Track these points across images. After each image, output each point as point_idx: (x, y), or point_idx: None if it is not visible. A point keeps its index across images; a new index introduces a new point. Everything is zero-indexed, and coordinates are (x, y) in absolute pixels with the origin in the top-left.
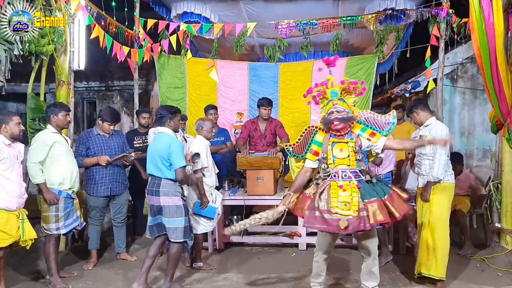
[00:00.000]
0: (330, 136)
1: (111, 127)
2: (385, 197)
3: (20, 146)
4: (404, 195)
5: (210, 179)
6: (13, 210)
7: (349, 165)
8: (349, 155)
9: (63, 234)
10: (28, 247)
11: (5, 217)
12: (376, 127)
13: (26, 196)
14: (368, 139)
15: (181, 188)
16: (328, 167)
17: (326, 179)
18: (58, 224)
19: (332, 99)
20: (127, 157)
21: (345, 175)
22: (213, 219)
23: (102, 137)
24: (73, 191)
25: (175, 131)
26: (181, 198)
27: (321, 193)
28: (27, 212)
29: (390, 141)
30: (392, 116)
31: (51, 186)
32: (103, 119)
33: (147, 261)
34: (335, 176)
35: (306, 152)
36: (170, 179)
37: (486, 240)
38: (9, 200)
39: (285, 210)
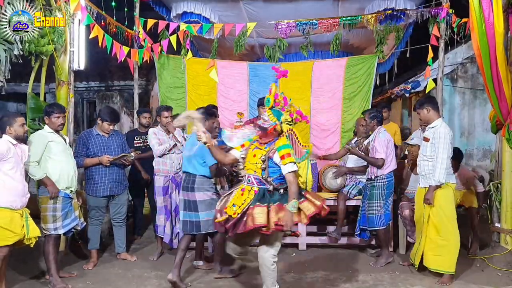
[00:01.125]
0: (256, 140)
1: (111, 127)
2: (274, 204)
3: (24, 147)
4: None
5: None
6: (17, 209)
7: (254, 171)
8: (257, 162)
9: (63, 234)
10: (32, 245)
11: (9, 215)
12: (294, 151)
13: (28, 195)
14: (281, 157)
15: (214, 183)
16: (243, 168)
17: (240, 180)
18: (56, 224)
19: (265, 106)
20: (127, 156)
21: (249, 180)
22: None
23: (102, 137)
24: (71, 191)
25: (210, 131)
26: (215, 192)
27: (229, 194)
28: (29, 211)
29: (290, 176)
30: (306, 150)
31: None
32: (103, 118)
33: (179, 253)
34: (243, 179)
35: (238, 143)
36: (204, 176)
37: (472, 237)
38: (13, 199)
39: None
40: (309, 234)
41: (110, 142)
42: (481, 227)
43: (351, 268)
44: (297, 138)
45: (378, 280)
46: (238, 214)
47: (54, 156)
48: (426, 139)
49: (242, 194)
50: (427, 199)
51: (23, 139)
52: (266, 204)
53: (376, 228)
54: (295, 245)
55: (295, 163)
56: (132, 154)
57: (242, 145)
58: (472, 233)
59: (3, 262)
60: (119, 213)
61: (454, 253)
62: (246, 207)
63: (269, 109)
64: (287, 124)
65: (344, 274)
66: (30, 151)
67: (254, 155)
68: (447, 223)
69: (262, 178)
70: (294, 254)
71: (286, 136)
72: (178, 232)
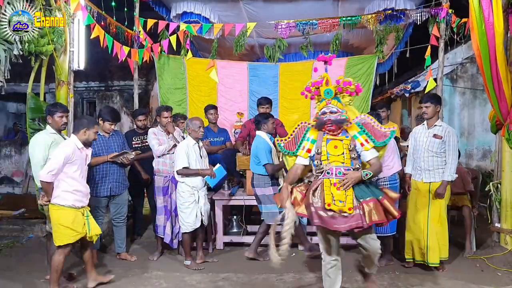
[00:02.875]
0: (324, 133)
1: (112, 127)
2: (381, 197)
3: (88, 151)
4: (394, 195)
5: (193, 180)
6: (79, 208)
7: (343, 163)
8: (343, 153)
9: None
10: (94, 241)
11: (73, 214)
12: (372, 135)
13: (89, 196)
14: (362, 144)
15: (276, 179)
16: (321, 164)
17: (319, 176)
18: None
19: (326, 98)
20: (127, 154)
21: (339, 172)
22: (226, 174)
23: (103, 137)
24: None
25: (270, 133)
26: (275, 187)
27: (315, 190)
28: (89, 209)
29: (376, 160)
30: (391, 130)
31: None
32: (104, 118)
33: (256, 236)
34: (328, 173)
35: (297, 149)
36: (260, 174)
37: (466, 238)
38: (77, 199)
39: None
40: (309, 234)
41: (111, 142)
42: (481, 227)
43: (351, 268)
44: (374, 122)
45: (378, 280)
46: (351, 208)
47: None
48: (438, 137)
49: (338, 188)
50: (441, 194)
51: (89, 145)
52: (372, 197)
53: (378, 235)
54: (295, 245)
55: (374, 147)
56: (133, 152)
57: (309, 150)
58: (466, 232)
59: (64, 261)
60: (119, 213)
61: (447, 240)
62: (354, 201)
63: (333, 99)
64: (350, 104)
65: (344, 274)
66: (35, 156)
67: (336, 146)
68: (443, 216)
69: (353, 168)
70: (294, 254)
71: (357, 123)
72: (178, 232)
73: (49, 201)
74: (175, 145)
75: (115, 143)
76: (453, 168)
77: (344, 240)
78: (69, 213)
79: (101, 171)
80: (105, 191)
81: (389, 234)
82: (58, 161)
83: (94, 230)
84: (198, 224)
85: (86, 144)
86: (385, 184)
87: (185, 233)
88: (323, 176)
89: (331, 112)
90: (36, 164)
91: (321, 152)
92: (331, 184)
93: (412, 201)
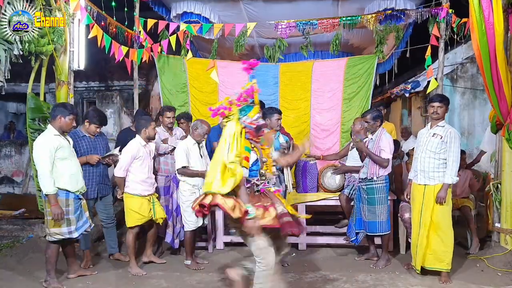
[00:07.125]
0: (251, 141)
1: (98, 129)
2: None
3: (151, 145)
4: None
5: (194, 179)
6: (145, 196)
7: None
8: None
9: (75, 238)
10: (161, 223)
11: (140, 201)
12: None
13: (156, 184)
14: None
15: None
16: (265, 172)
17: (259, 185)
18: (70, 228)
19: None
20: (113, 155)
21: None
22: None
23: (88, 138)
24: (80, 192)
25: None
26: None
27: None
28: (157, 195)
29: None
30: None
31: (58, 188)
32: (91, 121)
33: None
34: (268, 182)
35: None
36: None
37: (471, 236)
38: (143, 189)
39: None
40: (309, 234)
41: (97, 143)
42: (481, 227)
43: (351, 268)
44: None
45: (378, 280)
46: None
47: (62, 160)
48: (437, 135)
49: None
50: (442, 197)
51: (152, 139)
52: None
53: (377, 234)
54: (295, 245)
55: None
56: (118, 153)
57: (247, 158)
58: (470, 232)
59: (135, 239)
60: (108, 214)
61: (450, 251)
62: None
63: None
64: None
65: (344, 274)
66: (41, 161)
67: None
68: (447, 221)
69: (274, 174)
70: (294, 254)
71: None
72: (179, 232)
73: (123, 192)
74: (174, 148)
75: (100, 144)
76: (454, 170)
77: (343, 240)
78: (137, 200)
79: (88, 173)
80: (93, 193)
81: (385, 233)
82: (126, 159)
83: (159, 214)
84: (200, 223)
85: (149, 139)
86: (382, 183)
87: (188, 231)
88: (263, 185)
89: (251, 119)
90: (44, 169)
91: (266, 160)
92: (273, 191)
93: (411, 203)
